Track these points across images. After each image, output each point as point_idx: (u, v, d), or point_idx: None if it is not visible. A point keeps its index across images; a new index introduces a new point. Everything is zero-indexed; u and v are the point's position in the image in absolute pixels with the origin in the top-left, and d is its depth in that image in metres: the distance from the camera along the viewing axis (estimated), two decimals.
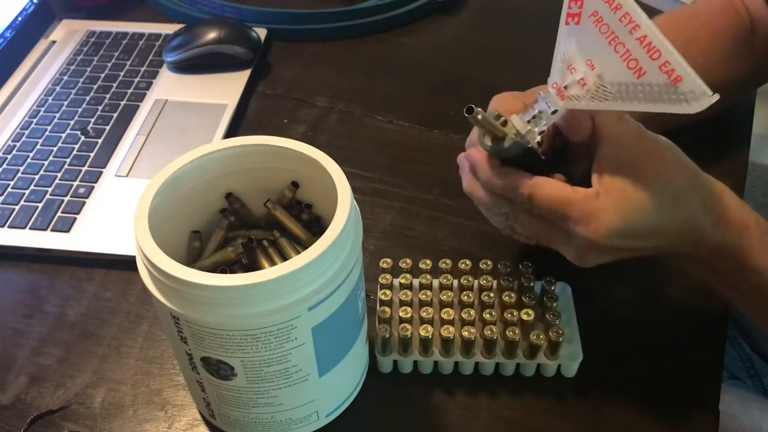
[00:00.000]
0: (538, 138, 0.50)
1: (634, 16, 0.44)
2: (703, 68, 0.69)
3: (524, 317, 0.56)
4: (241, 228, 0.57)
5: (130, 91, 0.87)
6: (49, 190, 0.74)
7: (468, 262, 0.60)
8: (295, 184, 0.56)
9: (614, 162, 0.49)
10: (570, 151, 0.54)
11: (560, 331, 0.55)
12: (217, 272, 0.47)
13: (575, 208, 0.48)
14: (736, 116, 0.81)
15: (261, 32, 0.94)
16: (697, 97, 0.43)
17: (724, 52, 0.71)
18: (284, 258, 0.54)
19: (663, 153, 0.50)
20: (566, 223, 0.49)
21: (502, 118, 0.49)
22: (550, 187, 0.49)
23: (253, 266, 0.54)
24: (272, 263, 0.54)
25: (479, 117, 0.47)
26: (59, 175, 0.76)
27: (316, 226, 0.55)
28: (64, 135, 0.81)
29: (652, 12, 0.81)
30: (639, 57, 0.44)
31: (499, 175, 0.51)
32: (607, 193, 0.48)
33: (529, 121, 0.49)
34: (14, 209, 0.73)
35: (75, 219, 0.71)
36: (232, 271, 0.54)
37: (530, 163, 0.51)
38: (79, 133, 0.81)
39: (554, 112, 0.49)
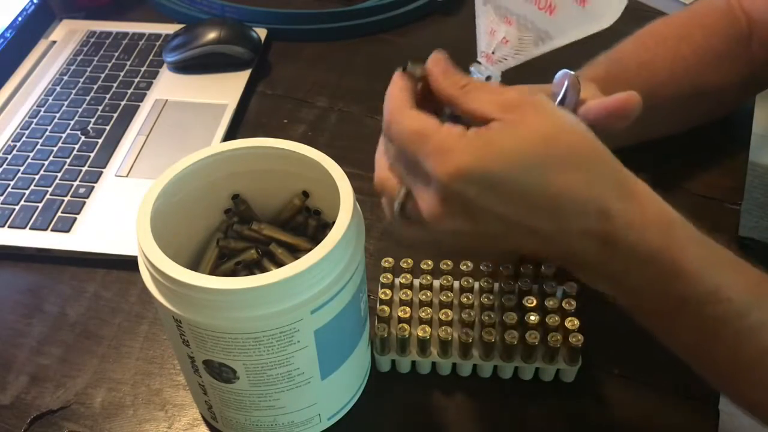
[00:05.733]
0: None
1: None
2: (696, 68, 0.70)
3: (524, 320, 0.56)
4: (239, 240, 0.57)
5: (130, 91, 0.87)
6: (49, 190, 0.74)
7: (469, 263, 0.60)
8: (305, 194, 0.56)
9: (500, 106, 0.42)
10: None
11: (558, 337, 0.55)
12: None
13: (432, 140, 0.42)
14: (735, 116, 0.81)
15: (261, 32, 0.94)
16: (608, 5, 0.42)
17: (720, 53, 0.71)
18: None
19: (565, 119, 0.43)
20: (420, 158, 0.42)
21: None
22: (412, 116, 0.43)
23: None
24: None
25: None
26: (59, 175, 0.76)
27: (323, 235, 0.56)
28: (64, 135, 0.81)
29: (652, 12, 0.81)
30: None
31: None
32: (476, 133, 0.41)
33: None
34: (14, 209, 0.73)
35: (75, 219, 0.71)
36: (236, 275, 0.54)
37: None
38: (79, 133, 0.81)
39: (488, 78, 0.49)
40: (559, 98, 0.53)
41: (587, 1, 0.43)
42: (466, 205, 0.42)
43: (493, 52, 0.49)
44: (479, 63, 0.49)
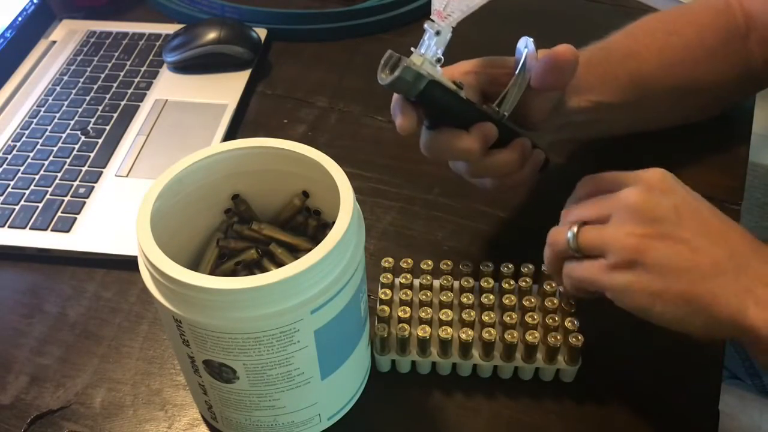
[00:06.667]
0: (439, 69, 0.52)
1: None
2: (688, 63, 0.70)
3: (524, 320, 0.56)
4: (239, 240, 0.57)
5: (130, 91, 0.87)
6: (49, 190, 0.74)
7: (469, 263, 0.61)
8: (305, 194, 0.56)
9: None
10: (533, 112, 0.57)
11: (558, 337, 0.55)
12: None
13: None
14: (736, 116, 0.81)
15: (261, 32, 0.94)
16: None
17: (713, 49, 0.70)
18: None
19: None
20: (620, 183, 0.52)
21: (397, 56, 0.52)
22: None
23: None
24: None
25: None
26: (59, 175, 0.76)
27: (323, 235, 0.56)
28: (64, 135, 0.81)
29: (651, 12, 0.81)
30: None
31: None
32: None
33: (422, 55, 0.52)
34: (14, 209, 0.73)
35: (75, 219, 0.71)
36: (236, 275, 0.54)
37: (459, 113, 0.53)
38: (79, 133, 0.81)
39: (438, 32, 0.52)
40: (520, 64, 0.55)
41: None
42: (671, 188, 0.51)
43: (443, 9, 0.52)
44: (432, 21, 0.52)
